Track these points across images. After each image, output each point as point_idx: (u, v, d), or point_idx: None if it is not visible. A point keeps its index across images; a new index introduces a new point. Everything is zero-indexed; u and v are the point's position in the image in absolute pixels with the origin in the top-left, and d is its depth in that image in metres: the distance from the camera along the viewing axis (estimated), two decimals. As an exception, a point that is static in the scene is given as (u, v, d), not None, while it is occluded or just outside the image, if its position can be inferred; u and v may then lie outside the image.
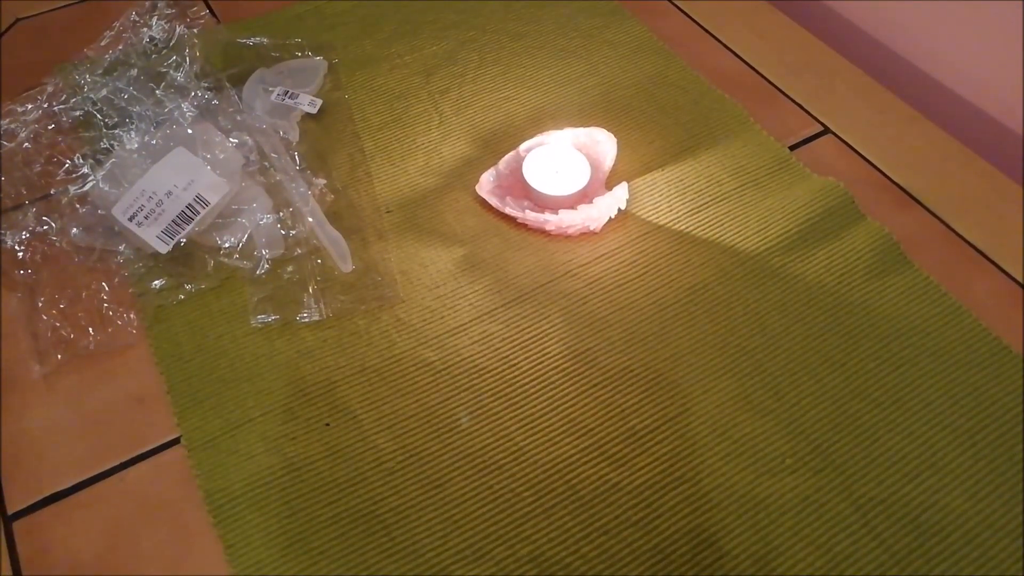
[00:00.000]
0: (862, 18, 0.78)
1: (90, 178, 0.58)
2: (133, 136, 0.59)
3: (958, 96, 0.72)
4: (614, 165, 0.63)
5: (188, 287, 0.55)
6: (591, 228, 0.59)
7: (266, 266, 0.56)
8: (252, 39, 0.71)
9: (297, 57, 0.71)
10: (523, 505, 0.46)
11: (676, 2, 0.79)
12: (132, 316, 0.55)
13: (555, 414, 0.50)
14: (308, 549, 0.45)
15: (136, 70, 0.65)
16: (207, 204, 0.55)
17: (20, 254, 0.57)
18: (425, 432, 0.49)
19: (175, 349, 0.53)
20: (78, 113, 0.65)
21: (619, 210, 0.59)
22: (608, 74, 0.71)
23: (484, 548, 0.45)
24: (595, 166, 0.61)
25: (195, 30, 0.71)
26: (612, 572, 0.44)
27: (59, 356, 0.53)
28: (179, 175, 0.55)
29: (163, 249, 0.55)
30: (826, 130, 0.67)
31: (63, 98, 0.66)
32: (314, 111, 0.66)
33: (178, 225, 0.55)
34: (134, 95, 0.63)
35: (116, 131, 0.62)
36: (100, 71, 0.67)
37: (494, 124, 0.67)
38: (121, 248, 0.57)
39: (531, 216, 0.58)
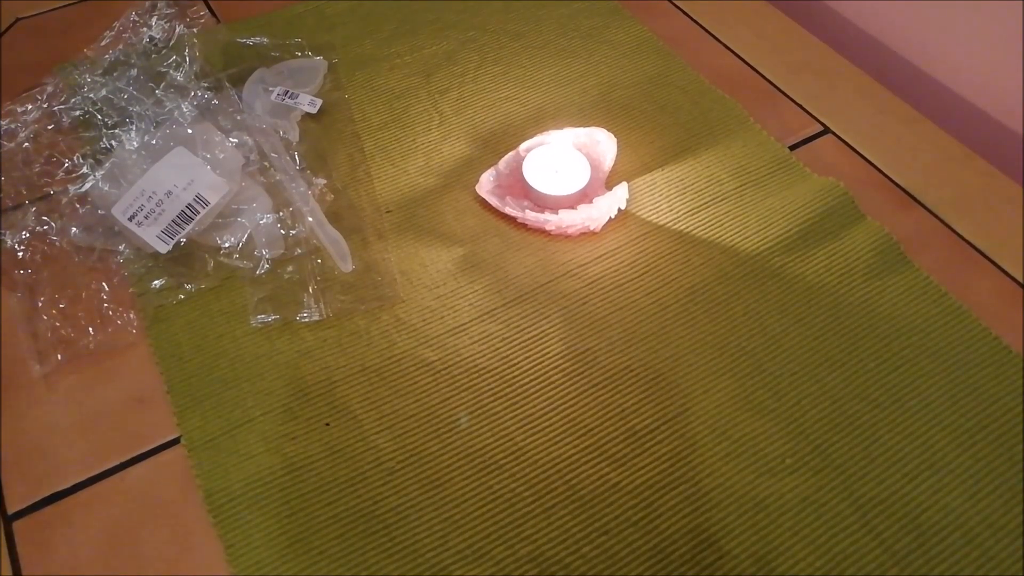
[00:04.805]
0: (862, 18, 0.78)
1: (90, 178, 0.58)
2: (133, 136, 0.59)
3: (958, 96, 0.72)
4: (614, 165, 0.63)
5: (188, 287, 0.55)
6: (591, 228, 0.59)
7: (266, 266, 0.56)
8: (252, 39, 0.71)
9: (297, 57, 0.71)
10: (523, 505, 0.46)
11: (676, 2, 0.79)
12: (132, 316, 0.55)
13: (555, 414, 0.50)
14: (308, 549, 0.45)
15: (136, 70, 0.65)
16: (207, 204, 0.55)
17: (20, 254, 0.57)
18: (425, 432, 0.49)
19: (175, 349, 0.53)
20: (78, 113, 0.65)
21: (619, 210, 0.59)
22: (608, 74, 0.71)
23: (484, 548, 0.45)
24: (595, 166, 0.61)
25: (195, 30, 0.72)
26: (612, 572, 0.44)
27: (59, 356, 0.53)
28: (179, 175, 0.55)
29: (163, 249, 0.55)
30: (826, 130, 0.67)
31: (63, 98, 0.66)
32: (314, 111, 0.66)
33: (178, 225, 0.55)
34: (134, 95, 0.63)
35: (116, 131, 0.62)
36: (100, 71, 0.67)
37: (494, 124, 0.67)
38: (121, 248, 0.57)
39: (531, 216, 0.58)
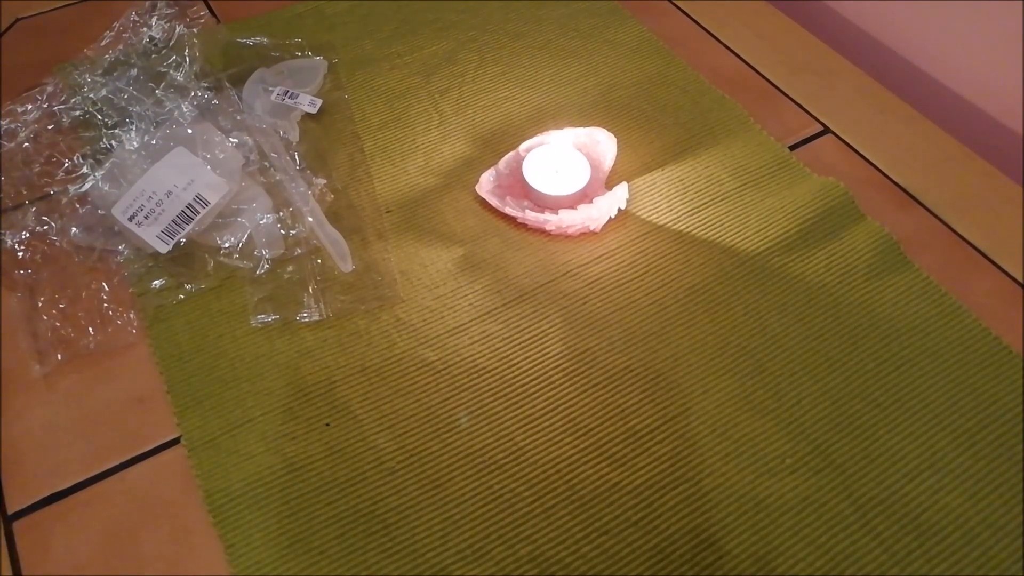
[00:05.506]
0: (862, 18, 0.78)
1: (90, 178, 0.58)
2: (133, 136, 0.59)
3: (958, 96, 0.72)
4: (614, 165, 0.63)
5: (188, 287, 0.55)
6: (591, 228, 0.59)
7: (266, 266, 0.56)
8: (252, 39, 0.71)
9: (297, 57, 0.71)
10: (523, 505, 0.46)
11: (676, 2, 0.79)
12: (132, 316, 0.55)
13: (555, 414, 0.50)
14: (308, 549, 0.45)
15: (136, 70, 0.65)
16: (207, 204, 0.55)
17: (20, 254, 0.57)
18: (425, 432, 0.49)
19: (175, 349, 0.53)
20: (78, 113, 0.65)
21: (619, 210, 0.59)
22: (608, 74, 0.71)
23: (484, 548, 0.45)
24: (595, 166, 0.61)
25: (195, 30, 0.71)
26: (612, 572, 0.44)
27: (59, 356, 0.53)
28: (179, 175, 0.55)
29: (163, 249, 0.55)
30: (826, 130, 0.67)
31: (63, 98, 0.66)
32: (314, 111, 0.66)
33: (178, 225, 0.55)
34: (134, 95, 0.63)
35: (116, 131, 0.62)
36: (100, 71, 0.67)
37: (494, 124, 0.67)
38: (121, 248, 0.57)
39: (531, 216, 0.58)
